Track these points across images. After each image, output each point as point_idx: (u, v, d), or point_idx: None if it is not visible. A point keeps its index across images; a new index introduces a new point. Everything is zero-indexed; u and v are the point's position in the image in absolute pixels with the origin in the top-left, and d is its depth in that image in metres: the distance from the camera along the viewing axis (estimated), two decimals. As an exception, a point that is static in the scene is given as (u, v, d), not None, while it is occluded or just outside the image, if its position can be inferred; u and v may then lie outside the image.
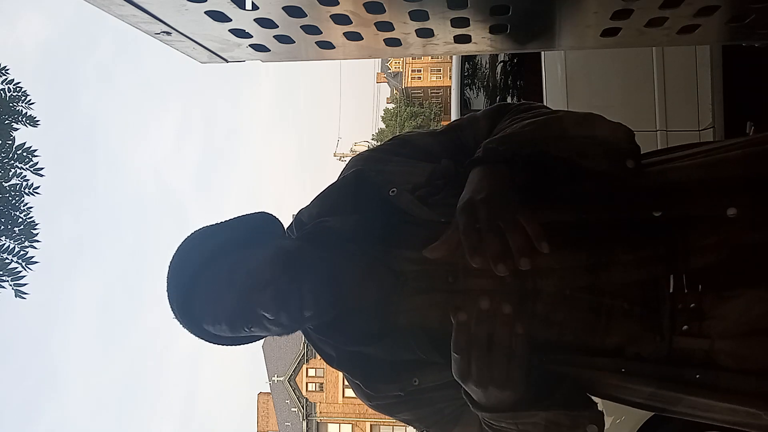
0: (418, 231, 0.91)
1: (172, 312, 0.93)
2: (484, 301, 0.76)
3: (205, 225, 0.99)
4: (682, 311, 0.82)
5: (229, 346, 1.00)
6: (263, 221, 1.00)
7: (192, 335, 0.95)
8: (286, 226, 1.04)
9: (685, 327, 0.82)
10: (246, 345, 1.02)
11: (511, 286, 0.86)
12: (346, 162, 1.07)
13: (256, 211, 1.01)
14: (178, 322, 0.93)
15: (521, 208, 0.78)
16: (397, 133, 1.14)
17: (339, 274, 0.93)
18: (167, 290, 0.93)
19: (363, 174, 0.97)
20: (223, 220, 0.99)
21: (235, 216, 1.00)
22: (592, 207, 0.87)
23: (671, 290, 0.82)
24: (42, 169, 5.34)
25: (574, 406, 0.84)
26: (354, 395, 1.02)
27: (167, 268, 0.94)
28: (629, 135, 0.88)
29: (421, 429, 1.03)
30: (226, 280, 0.91)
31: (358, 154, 1.06)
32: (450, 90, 3.98)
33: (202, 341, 0.97)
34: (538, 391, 0.82)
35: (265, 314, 0.88)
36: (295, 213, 1.04)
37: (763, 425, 0.83)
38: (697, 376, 0.82)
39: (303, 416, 25.08)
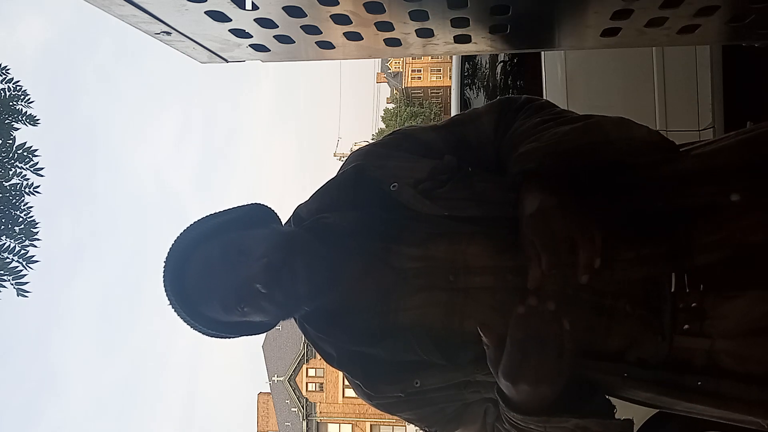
0: (419, 226, 0.91)
1: (166, 296, 0.93)
2: (532, 297, 0.77)
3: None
4: (684, 311, 0.82)
5: (225, 338, 0.98)
6: (259, 210, 1.01)
7: (186, 324, 0.94)
8: (284, 222, 1.04)
9: (686, 326, 0.82)
10: (244, 337, 1.01)
11: (512, 284, 0.86)
12: (346, 157, 1.07)
13: (253, 202, 1.01)
14: (171, 307, 0.93)
15: (591, 219, 0.80)
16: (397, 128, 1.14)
17: (337, 266, 0.93)
18: (162, 274, 0.93)
19: (363, 169, 0.97)
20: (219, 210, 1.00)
21: (232, 207, 1.01)
22: (593, 203, 0.87)
23: (673, 289, 0.82)
24: (42, 168, 5.35)
25: (605, 414, 0.85)
26: (354, 395, 1.02)
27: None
28: (660, 134, 0.90)
29: (423, 428, 1.03)
30: (219, 257, 0.91)
31: (358, 149, 1.05)
32: (450, 90, 3.98)
33: (200, 334, 0.96)
34: (571, 397, 0.82)
35: (259, 287, 0.88)
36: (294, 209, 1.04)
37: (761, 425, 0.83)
38: (699, 383, 0.82)
39: (303, 416, 25.07)
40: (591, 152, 0.87)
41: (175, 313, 0.93)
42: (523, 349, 0.76)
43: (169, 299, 0.93)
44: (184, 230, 0.96)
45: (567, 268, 0.84)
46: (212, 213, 0.99)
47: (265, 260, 0.89)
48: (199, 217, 0.99)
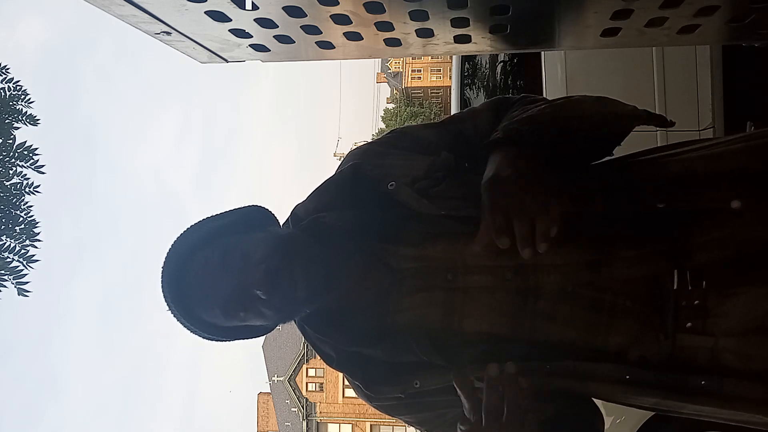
0: (416, 226, 0.90)
1: (164, 301, 0.93)
2: (492, 368, 0.78)
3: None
4: (686, 308, 0.81)
5: (224, 341, 0.98)
6: (257, 212, 1.00)
7: (185, 328, 0.94)
8: (282, 222, 1.04)
9: (689, 324, 0.81)
10: (243, 340, 1.00)
11: (512, 283, 0.86)
12: (344, 156, 1.07)
13: (250, 204, 1.01)
14: (170, 312, 0.93)
15: (553, 188, 0.79)
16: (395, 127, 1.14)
17: (335, 267, 0.93)
18: (161, 278, 0.93)
19: (360, 168, 0.96)
20: (217, 213, 1.00)
21: (229, 209, 1.00)
22: (594, 198, 0.87)
23: (675, 287, 0.82)
24: (43, 166, 5.35)
25: None
26: (354, 395, 1.02)
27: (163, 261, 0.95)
28: (645, 110, 0.90)
29: (422, 431, 1.03)
30: (219, 263, 0.91)
31: (356, 148, 1.04)
32: (450, 90, 3.98)
33: (197, 337, 0.95)
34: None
35: (258, 293, 0.88)
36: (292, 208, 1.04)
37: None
38: (703, 382, 0.82)
39: (303, 416, 25.08)
40: (566, 124, 0.88)
41: (174, 318, 0.93)
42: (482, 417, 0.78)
43: (168, 305, 0.93)
44: (182, 234, 0.95)
45: (567, 266, 0.84)
46: (209, 216, 0.98)
47: (264, 266, 0.88)
48: (197, 220, 0.98)
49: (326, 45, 0.87)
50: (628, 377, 0.84)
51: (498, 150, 0.86)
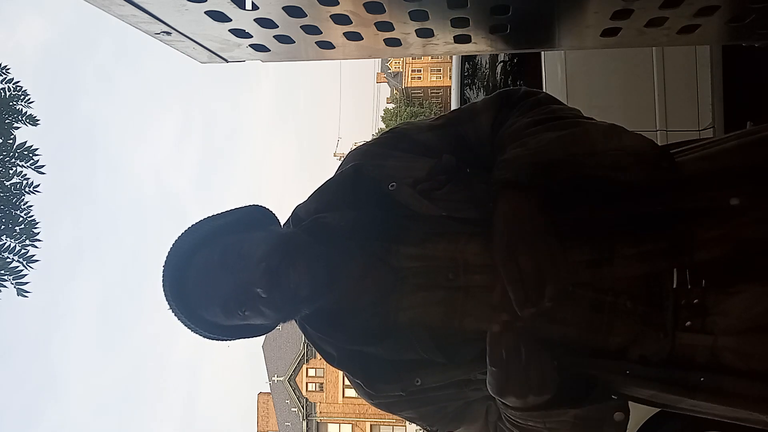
0: (417, 226, 0.91)
1: (165, 300, 0.93)
2: (504, 314, 0.78)
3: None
4: (686, 307, 0.81)
5: (225, 340, 0.99)
6: (257, 212, 1.01)
7: (186, 327, 0.94)
8: (282, 223, 1.04)
9: (689, 323, 0.82)
10: (244, 339, 1.01)
11: None
12: (344, 157, 1.07)
13: (251, 204, 1.01)
14: (171, 311, 0.93)
15: (560, 253, 0.80)
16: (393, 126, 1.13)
17: (336, 267, 0.93)
18: (161, 278, 0.93)
19: (362, 168, 0.96)
20: (217, 212, 1.00)
21: (230, 209, 1.01)
22: (594, 198, 0.87)
23: (674, 285, 0.82)
24: (43, 166, 5.35)
25: (603, 401, 0.86)
26: (354, 395, 1.02)
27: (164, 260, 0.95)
28: (652, 142, 0.89)
29: (424, 427, 1.03)
30: (219, 261, 0.91)
31: (356, 149, 1.04)
32: (450, 90, 3.98)
33: (199, 336, 0.96)
34: (570, 390, 0.83)
35: (258, 291, 0.88)
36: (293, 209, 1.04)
37: (765, 422, 0.83)
38: (702, 378, 0.82)
39: (303, 416, 25.07)
40: (573, 165, 0.86)
41: (176, 317, 0.93)
42: (502, 365, 0.78)
43: (169, 304, 0.93)
44: (183, 233, 0.96)
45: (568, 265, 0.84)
46: (210, 215, 0.99)
47: (264, 264, 0.89)
48: (198, 220, 0.98)
49: (326, 45, 0.87)
50: (627, 372, 0.84)
51: (506, 195, 0.85)
